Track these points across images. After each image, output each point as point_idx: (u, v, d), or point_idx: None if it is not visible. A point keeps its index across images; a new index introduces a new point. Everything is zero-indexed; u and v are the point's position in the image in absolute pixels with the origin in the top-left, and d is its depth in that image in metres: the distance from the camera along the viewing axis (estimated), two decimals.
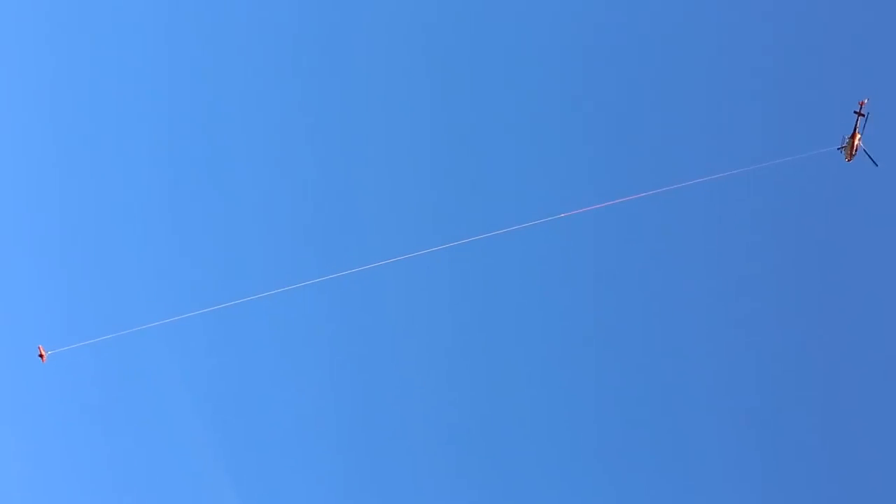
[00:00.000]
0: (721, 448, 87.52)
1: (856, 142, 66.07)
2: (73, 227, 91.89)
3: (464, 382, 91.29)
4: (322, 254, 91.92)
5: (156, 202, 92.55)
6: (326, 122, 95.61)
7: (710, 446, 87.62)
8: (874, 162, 66.38)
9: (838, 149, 66.44)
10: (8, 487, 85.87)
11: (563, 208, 64.72)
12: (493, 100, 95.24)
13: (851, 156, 66.76)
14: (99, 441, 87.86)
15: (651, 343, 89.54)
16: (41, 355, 53.17)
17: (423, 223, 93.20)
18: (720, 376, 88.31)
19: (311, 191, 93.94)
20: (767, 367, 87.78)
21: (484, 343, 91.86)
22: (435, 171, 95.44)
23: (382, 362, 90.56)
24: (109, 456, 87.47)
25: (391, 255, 65.59)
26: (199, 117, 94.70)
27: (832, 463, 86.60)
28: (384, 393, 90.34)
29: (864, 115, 64.99)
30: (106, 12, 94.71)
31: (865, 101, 64.73)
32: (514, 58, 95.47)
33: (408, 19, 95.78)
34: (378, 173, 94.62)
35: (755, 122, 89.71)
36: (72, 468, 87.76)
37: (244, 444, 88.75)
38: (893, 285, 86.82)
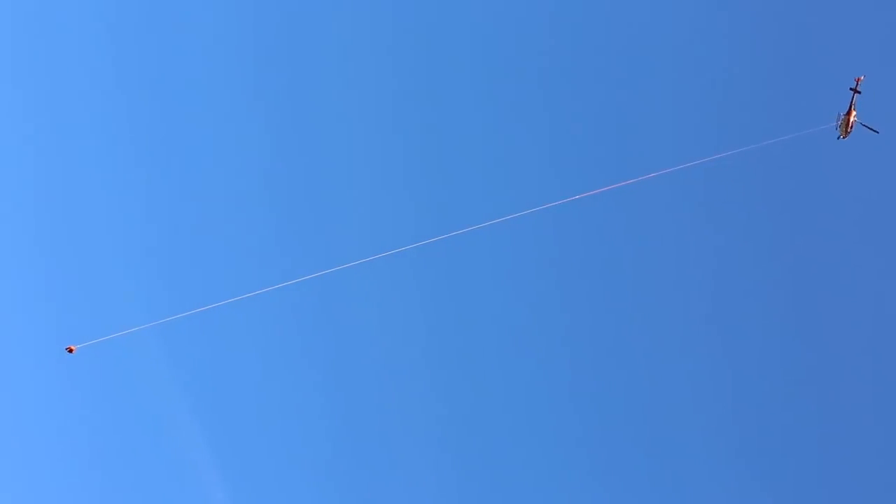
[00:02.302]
0: (705, 448, 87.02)
1: (851, 119, 66.23)
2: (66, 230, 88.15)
3: (446, 380, 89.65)
4: (302, 253, 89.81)
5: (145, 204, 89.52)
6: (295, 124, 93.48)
7: (694, 445, 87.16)
8: (874, 130, 66.15)
9: (836, 127, 66.54)
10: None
11: (561, 195, 63.25)
12: (462, 97, 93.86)
13: (847, 133, 66.88)
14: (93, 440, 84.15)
15: (637, 340, 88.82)
16: (70, 350, 51.12)
17: (401, 220, 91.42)
18: (708, 373, 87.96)
19: (297, 191, 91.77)
20: (764, 364, 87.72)
21: (464, 340, 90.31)
22: (406, 169, 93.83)
23: (368, 361, 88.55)
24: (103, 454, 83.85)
25: (368, 254, 63.55)
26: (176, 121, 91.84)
27: (816, 462, 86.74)
28: (370, 392, 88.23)
29: (859, 92, 65.18)
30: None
31: (862, 77, 64.98)
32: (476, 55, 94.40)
33: (374, 17, 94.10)
34: (348, 172, 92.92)
35: (747, 103, 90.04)
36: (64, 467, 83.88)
37: (235, 443, 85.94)
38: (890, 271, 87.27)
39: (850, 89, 65.29)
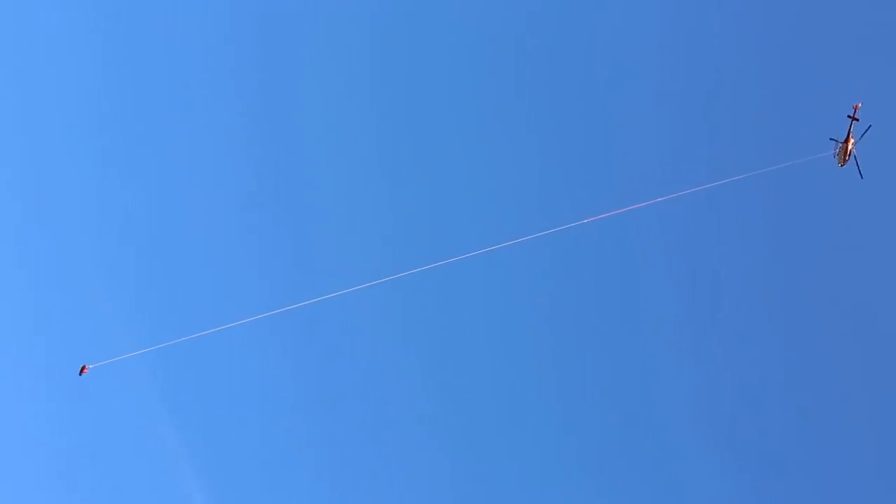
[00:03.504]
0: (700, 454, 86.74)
1: (849, 146, 66.36)
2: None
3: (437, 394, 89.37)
4: (298, 275, 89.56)
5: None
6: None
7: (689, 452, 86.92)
8: (860, 173, 66.76)
9: (834, 155, 66.71)
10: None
11: (568, 217, 63.15)
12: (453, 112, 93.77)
13: (845, 160, 67.00)
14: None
15: (638, 350, 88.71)
16: (83, 370, 51.25)
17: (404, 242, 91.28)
18: (706, 384, 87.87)
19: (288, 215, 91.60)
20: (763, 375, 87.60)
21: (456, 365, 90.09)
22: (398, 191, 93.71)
23: (359, 386, 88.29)
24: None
25: (362, 280, 63.22)
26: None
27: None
28: (358, 411, 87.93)
29: (857, 120, 65.31)
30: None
31: (859, 105, 65.11)
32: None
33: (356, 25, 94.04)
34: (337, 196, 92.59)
35: (744, 129, 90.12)
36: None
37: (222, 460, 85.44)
38: (888, 291, 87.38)
39: (848, 116, 65.55)
